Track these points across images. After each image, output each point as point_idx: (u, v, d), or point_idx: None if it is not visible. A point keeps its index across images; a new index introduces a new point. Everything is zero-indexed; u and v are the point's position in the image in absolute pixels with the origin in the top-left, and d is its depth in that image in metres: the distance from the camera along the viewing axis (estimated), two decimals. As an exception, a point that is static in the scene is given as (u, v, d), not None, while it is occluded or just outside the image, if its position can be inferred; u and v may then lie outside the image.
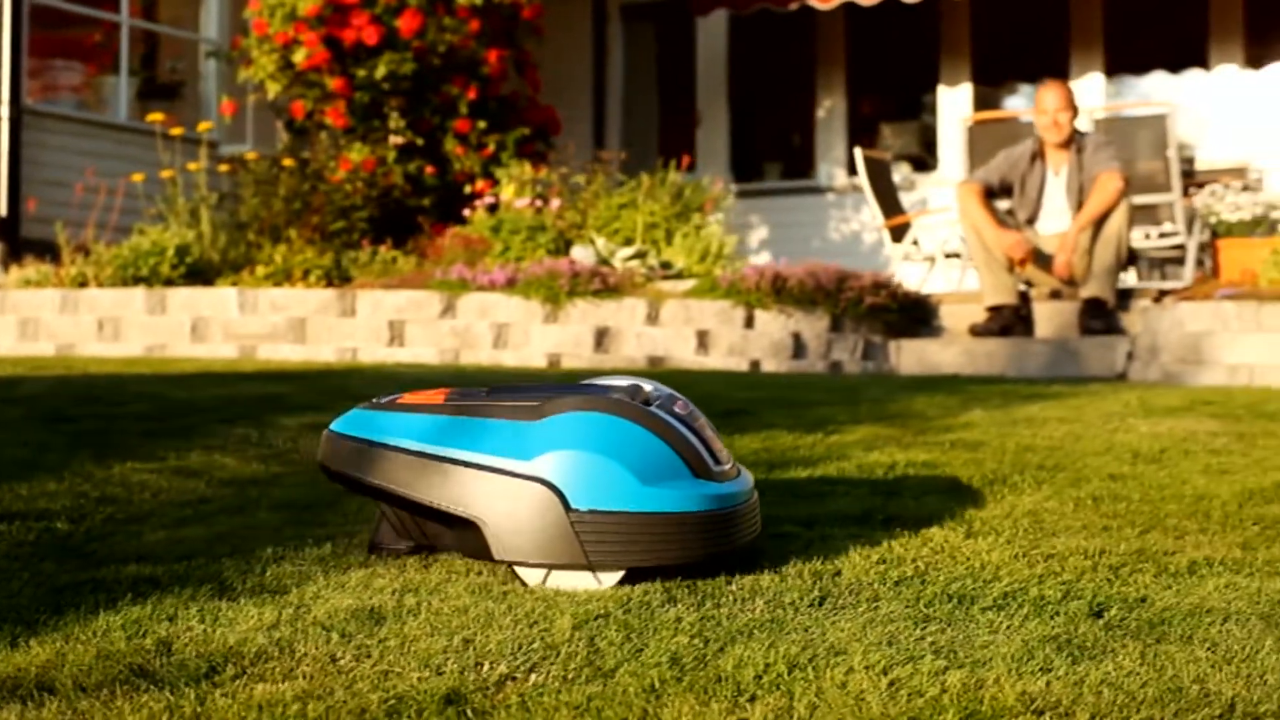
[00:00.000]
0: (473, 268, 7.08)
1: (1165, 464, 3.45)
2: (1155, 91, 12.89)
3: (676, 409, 2.29)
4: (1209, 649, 1.91)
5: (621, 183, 8.74)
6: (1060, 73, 12.56)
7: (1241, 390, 5.47)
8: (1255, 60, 12.09)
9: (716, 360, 6.75)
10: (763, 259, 12.95)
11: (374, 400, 2.35)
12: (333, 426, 2.32)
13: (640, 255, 7.49)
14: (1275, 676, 1.80)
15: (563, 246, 8.01)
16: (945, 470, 3.34)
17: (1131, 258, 7.72)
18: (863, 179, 9.33)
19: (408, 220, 9.29)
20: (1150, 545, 2.57)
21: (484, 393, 2.28)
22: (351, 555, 2.45)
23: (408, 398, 2.32)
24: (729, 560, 2.28)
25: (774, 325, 6.89)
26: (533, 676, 1.78)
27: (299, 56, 9.13)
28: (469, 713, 1.67)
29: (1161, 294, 7.56)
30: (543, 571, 2.18)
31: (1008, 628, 2.01)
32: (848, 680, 1.74)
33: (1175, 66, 12.70)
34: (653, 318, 6.83)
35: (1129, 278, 8.49)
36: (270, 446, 3.65)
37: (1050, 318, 7.36)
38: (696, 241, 7.81)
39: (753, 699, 1.69)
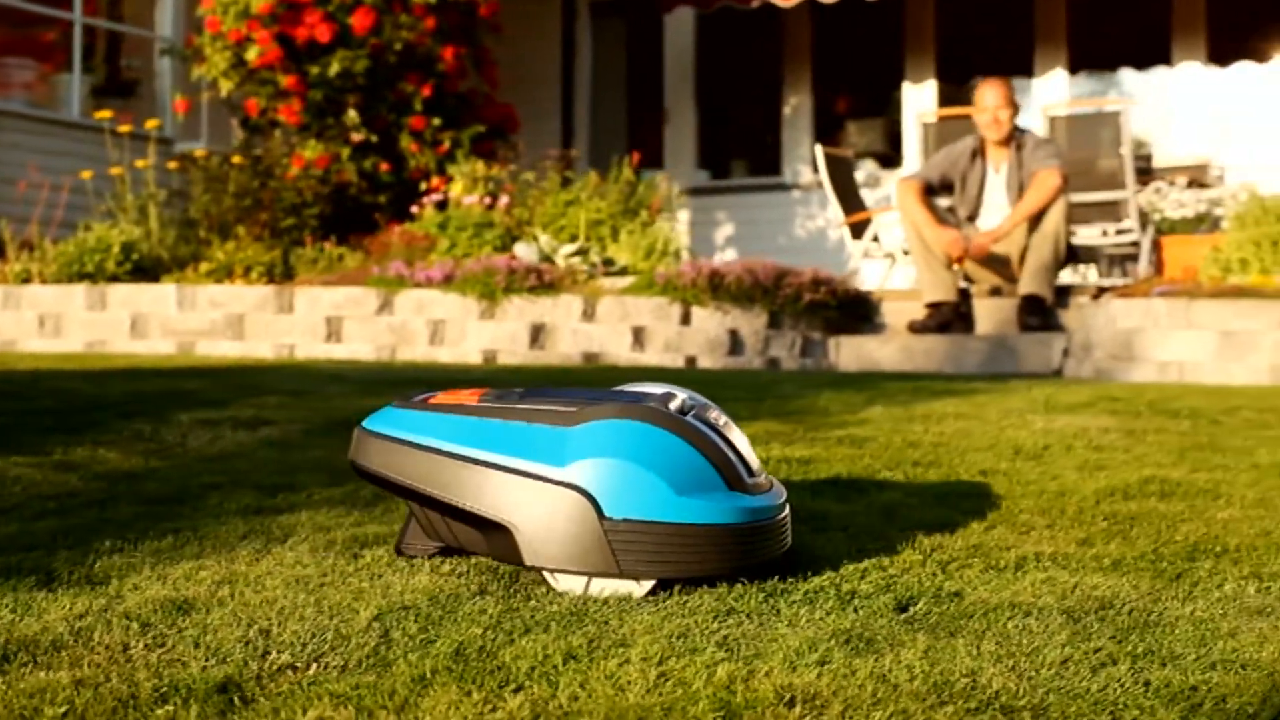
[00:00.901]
0: (412, 265, 7.09)
1: (1044, 460, 3.47)
2: (1118, 88, 12.93)
3: (710, 418, 2.27)
4: (997, 643, 1.92)
5: (568, 180, 8.75)
6: (1025, 69, 12.61)
7: (1156, 387, 5.50)
8: (1218, 57, 12.13)
9: (652, 357, 6.76)
10: (729, 256, 13.00)
11: (405, 398, 2.32)
12: (364, 424, 2.29)
13: (582, 252, 7.50)
14: (1050, 671, 1.81)
15: (509, 243, 8.02)
16: (821, 466, 3.36)
17: (1074, 254, 7.74)
18: (823, 176, 9.37)
19: (365, 217, 9.32)
20: (990, 540, 2.59)
21: (518, 395, 2.25)
22: (189, 548, 2.47)
23: (440, 397, 2.29)
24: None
25: (710, 322, 6.91)
26: (313, 667, 1.80)
27: (251, 54, 9.14)
28: (236, 700, 1.68)
29: (1100, 291, 7.59)
30: (573, 578, 2.16)
31: (806, 621, 2.02)
32: (619, 671, 1.76)
33: (1138, 63, 12.74)
34: (589, 314, 6.84)
35: (1087, 274, 8.53)
36: (159, 441, 3.66)
37: (990, 314, 7.38)
38: (642, 238, 7.83)
39: (518, 689, 1.71)
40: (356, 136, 9.49)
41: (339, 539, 2.54)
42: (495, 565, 2.32)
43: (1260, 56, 12.30)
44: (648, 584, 2.15)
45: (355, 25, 9.19)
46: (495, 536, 2.20)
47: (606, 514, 2.12)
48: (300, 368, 5.77)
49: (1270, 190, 7.90)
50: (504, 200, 8.47)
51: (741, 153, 13.93)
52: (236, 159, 8.65)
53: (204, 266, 7.52)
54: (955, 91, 12.80)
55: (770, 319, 7.07)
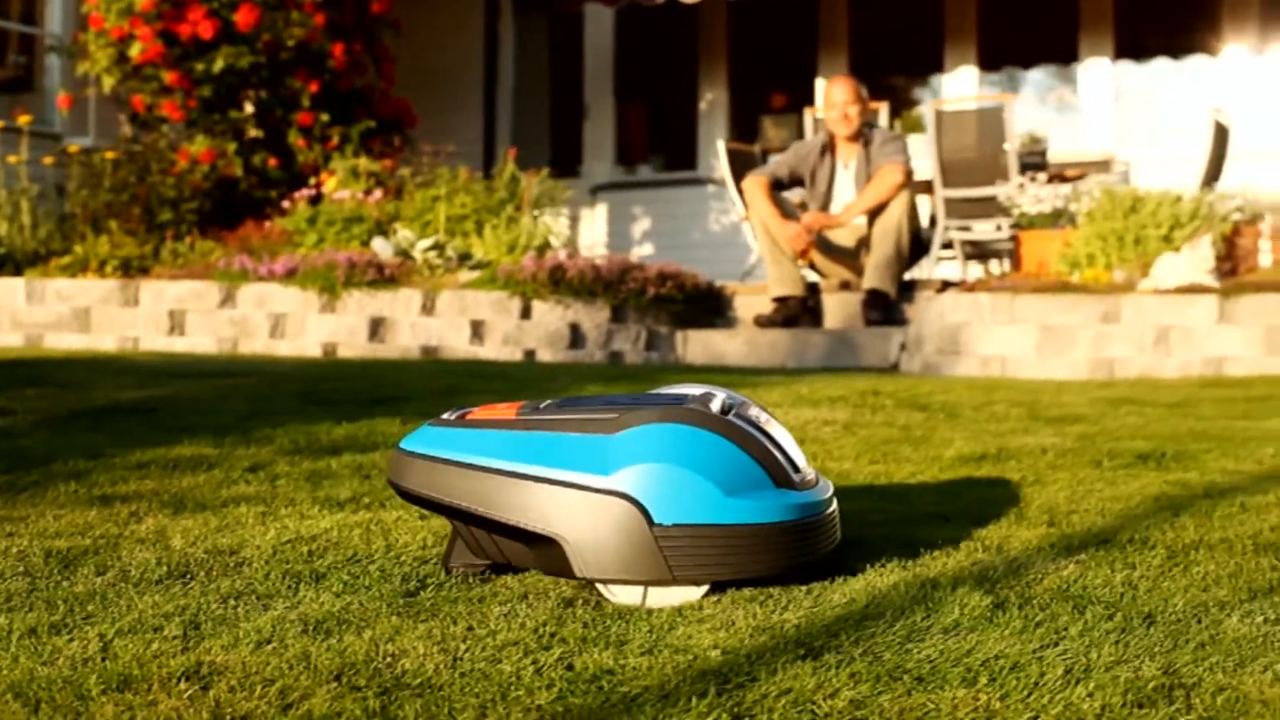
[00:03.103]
0: (259, 259, 7.16)
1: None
2: (1027, 84, 13.00)
3: (752, 415, 2.24)
4: (470, 626, 1.99)
5: (428, 180, 8.80)
6: (935, 66, 12.69)
7: (940, 381, 5.56)
8: (1124, 54, 12.21)
9: (491, 350, 6.84)
10: (646, 250, 13.09)
11: (443, 416, 2.28)
12: (402, 444, 2.25)
13: (438, 247, 7.57)
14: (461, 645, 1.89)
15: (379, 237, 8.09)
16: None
17: (922, 249, 7.80)
18: (724, 171, 9.43)
19: (258, 211, 9.39)
20: None
21: (555, 405, 2.23)
22: None
23: (477, 413, 2.26)
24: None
25: (551, 316, 6.98)
26: None
27: (134, 51, 9.21)
28: None
29: (945, 285, 7.65)
30: (626, 588, 2.13)
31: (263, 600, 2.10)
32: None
33: (1047, 60, 12.81)
34: (428, 308, 6.91)
35: (968, 270, 8.58)
36: None
37: (838, 309, 7.45)
38: (505, 233, 7.89)
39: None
40: (254, 132, 9.57)
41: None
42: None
43: (1166, 53, 12.37)
44: (702, 589, 2.13)
45: (239, 22, 9.26)
46: (543, 550, 2.16)
47: (656, 520, 2.09)
48: (104, 360, 5.85)
49: (1166, 184, 7.96)
50: (376, 195, 8.54)
51: (659, 147, 14.00)
52: (110, 154, 8.71)
53: (63, 260, 7.59)
54: (869, 88, 12.87)
55: (614, 313, 7.13)
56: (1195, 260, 6.76)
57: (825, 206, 7.54)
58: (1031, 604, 2.08)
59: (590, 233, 13.33)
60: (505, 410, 2.24)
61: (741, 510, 2.12)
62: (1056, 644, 1.89)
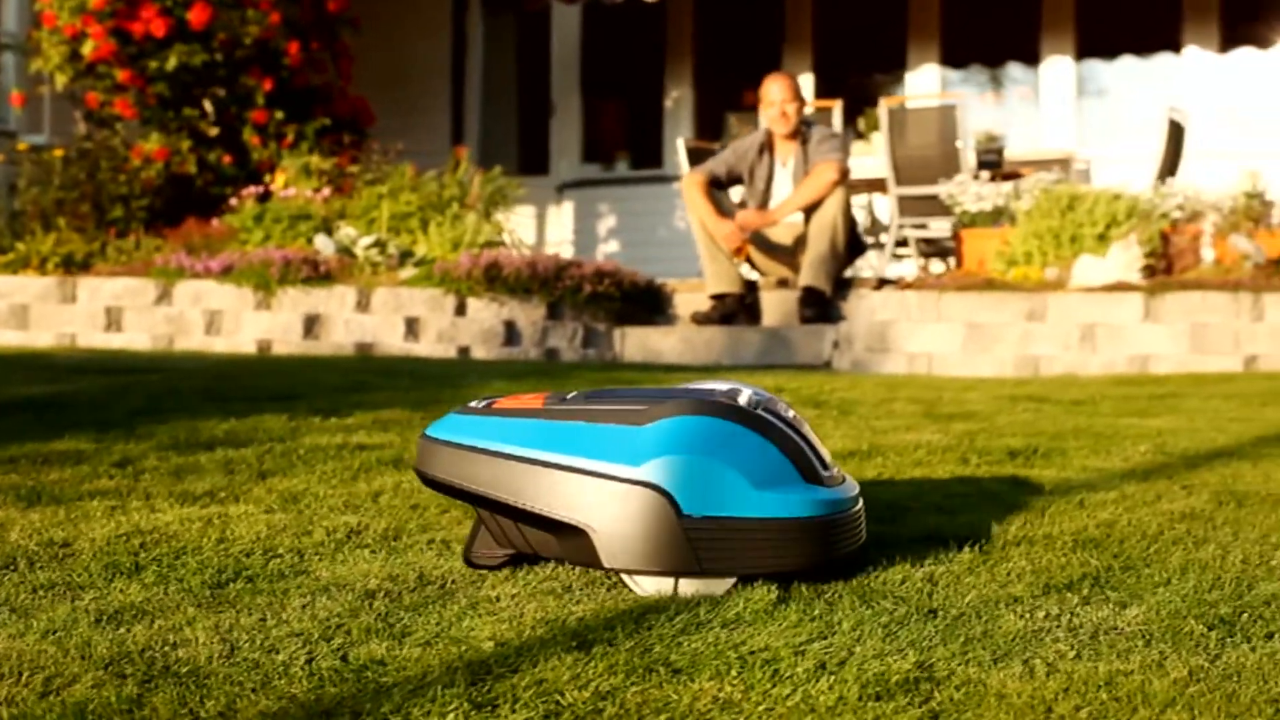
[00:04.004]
0: (198, 256, 7.19)
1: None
2: (990, 82, 13.04)
3: (780, 411, 2.23)
4: (264, 617, 2.03)
5: (379, 178, 8.83)
6: (898, 63, 12.73)
7: (853, 379, 5.60)
8: (1087, 52, 12.25)
9: (425, 347, 6.87)
10: (612, 247, 13.12)
11: (469, 405, 2.27)
12: (428, 431, 2.25)
13: (380, 244, 7.60)
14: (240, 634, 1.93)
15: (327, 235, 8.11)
16: (373, 452, 3.46)
17: (861, 246, 7.83)
18: (684, 169, 9.44)
19: (214, 209, 9.41)
20: (351, 524, 2.68)
21: (582, 397, 2.22)
22: None
23: (504, 402, 2.25)
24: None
25: (486, 313, 7.01)
26: None
27: (86, 49, 9.23)
28: None
29: (881, 282, 7.69)
30: (653, 579, 2.13)
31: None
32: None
33: (1009, 58, 12.85)
34: (363, 305, 6.95)
35: (929, 266, 8.61)
36: None
37: (776, 306, 7.48)
38: (450, 230, 7.92)
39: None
40: (212, 131, 9.60)
41: None
42: None
43: (1128, 52, 12.42)
44: (729, 581, 2.12)
45: (192, 20, 9.29)
46: (570, 540, 2.16)
47: (685, 511, 2.08)
48: (29, 356, 5.89)
49: (1127, 182, 7.99)
50: (325, 192, 8.57)
51: (625, 145, 14.03)
52: (59, 151, 8.74)
53: (6, 257, 7.62)
54: (833, 85, 12.91)
55: (550, 310, 7.17)
56: (1125, 258, 6.80)
57: (764, 204, 7.57)
58: (820, 599, 2.11)
59: (557, 231, 13.37)
60: (531, 400, 2.24)
61: (770, 504, 2.12)
62: (825, 637, 1.93)
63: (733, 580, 2.12)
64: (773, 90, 7.45)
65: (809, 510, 2.15)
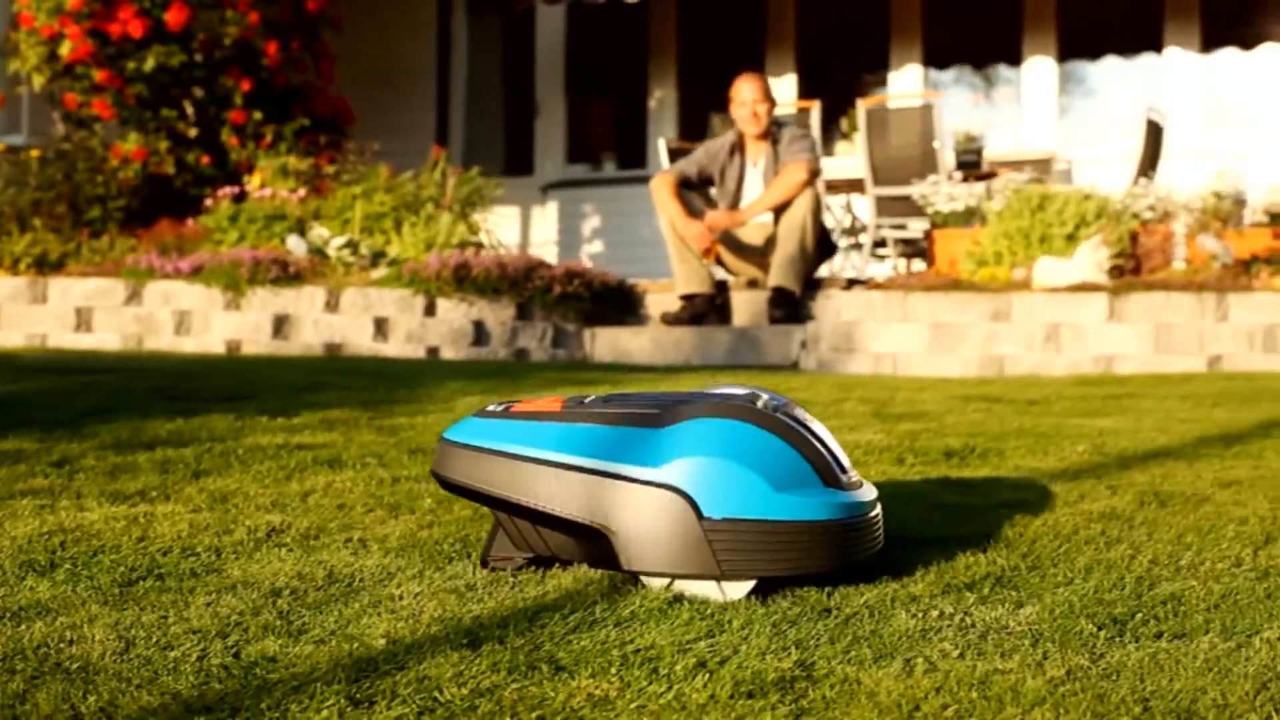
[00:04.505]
0: (169, 257, 7.22)
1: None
2: (973, 83, 13.07)
3: (798, 415, 2.23)
4: (165, 615, 2.05)
5: (356, 178, 8.85)
6: (881, 63, 12.75)
7: (811, 378, 5.62)
8: (1069, 53, 12.28)
9: (394, 348, 6.89)
10: (596, 248, 13.15)
11: (486, 408, 2.27)
12: (446, 434, 2.25)
13: (352, 245, 7.62)
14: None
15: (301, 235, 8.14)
16: (321, 451, 3.49)
17: (830, 248, 7.85)
18: (666, 169, 9.46)
19: (191, 209, 9.43)
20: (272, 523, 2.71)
21: (600, 400, 2.22)
22: None
23: (522, 405, 2.25)
24: None
25: (455, 313, 7.03)
26: None
27: (64, 49, 9.26)
28: None
29: (851, 283, 7.71)
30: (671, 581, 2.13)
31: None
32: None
33: (992, 58, 12.88)
34: (332, 305, 6.97)
35: (898, 266, 8.63)
36: None
37: (746, 306, 7.51)
38: (424, 231, 7.94)
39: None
40: (191, 132, 9.63)
41: None
42: None
43: (1110, 52, 12.45)
44: (748, 584, 2.12)
45: (170, 21, 9.31)
46: (590, 542, 2.15)
47: (705, 514, 2.08)
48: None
49: (1107, 182, 8.02)
50: (301, 192, 8.59)
51: (610, 145, 14.05)
52: (35, 152, 8.77)
53: (-21, 258, 7.65)
54: (815, 85, 12.94)
55: (520, 310, 7.19)
56: (1091, 259, 6.82)
57: (735, 205, 7.59)
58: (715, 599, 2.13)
59: (541, 231, 13.40)
60: (550, 404, 2.24)
61: (790, 507, 2.11)
62: (713, 636, 1.95)
63: (752, 583, 2.12)
64: (743, 90, 7.47)
65: (829, 514, 2.14)
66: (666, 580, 2.12)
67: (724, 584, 2.11)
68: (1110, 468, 3.41)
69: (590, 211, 13.37)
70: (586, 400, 2.23)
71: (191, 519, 2.71)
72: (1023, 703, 1.69)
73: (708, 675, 1.78)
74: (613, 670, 1.80)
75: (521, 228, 13.34)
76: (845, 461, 2.26)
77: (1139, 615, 2.08)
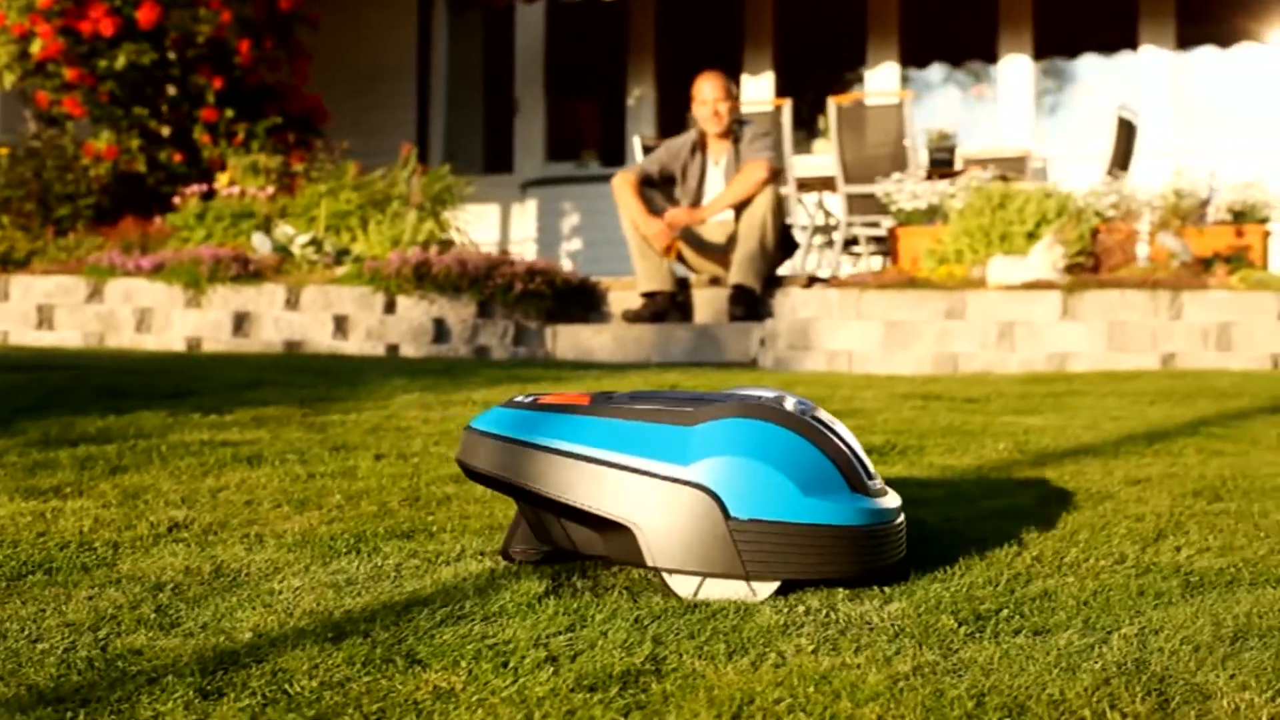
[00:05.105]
0: (130, 254, 7.25)
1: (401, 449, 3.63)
2: (949, 81, 13.11)
3: (825, 419, 2.23)
4: (43, 608, 2.08)
5: (323, 171, 8.88)
6: (858, 61, 12.78)
7: (756, 376, 5.65)
8: (1045, 51, 12.32)
9: (354, 345, 6.93)
10: (575, 245, 13.18)
11: (514, 400, 2.27)
12: (473, 424, 2.24)
13: (316, 243, 7.65)
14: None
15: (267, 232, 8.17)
16: (265, 445, 3.52)
17: (792, 245, 7.89)
18: (640, 167, 9.48)
19: (163, 207, 9.47)
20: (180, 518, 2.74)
21: (628, 397, 2.22)
22: None
23: (550, 398, 2.25)
24: None
25: (415, 311, 7.07)
26: None
27: (35, 47, 9.30)
28: None
29: (811, 280, 7.74)
30: (693, 580, 2.12)
31: None
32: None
33: (968, 55, 12.91)
34: (292, 303, 7.00)
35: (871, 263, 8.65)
36: None
37: (707, 304, 7.54)
38: (390, 229, 7.98)
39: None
40: (163, 130, 9.66)
41: None
42: None
43: (1086, 50, 12.49)
44: (773, 585, 2.13)
45: (141, 19, 9.35)
46: (614, 537, 2.15)
47: (732, 514, 2.08)
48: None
49: (1082, 180, 8.04)
50: (269, 190, 8.63)
51: (589, 143, 14.09)
52: (4, 150, 8.80)
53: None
54: (792, 83, 12.97)
55: (481, 308, 7.22)
56: (1047, 257, 6.85)
57: (696, 203, 7.62)
58: (586, 594, 2.16)
59: (521, 229, 13.43)
60: (578, 398, 2.24)
61: (818, 510, 2.11)
62: (573, 630, 1.98)
63: (776, 584, 2.12)
64: (705, 89, 7.50)
65: (856, 519, 2.14)
66: (695, 581, 2.12)
67: (750, 585, 2.12)
68: (1024, 465, 3.44)
69: (569, 209, 13.41)
70: (616, 396, 2.23)
71: (98, 514, 2.75)
72: (858, 697, 1.70)
73: (554, 669, 1.80)
74: (463, 664, 1.83)
75: (501, 225, 13.38)
76: (871, 468, 2.26)
77: (1004, 611, 2.09)
